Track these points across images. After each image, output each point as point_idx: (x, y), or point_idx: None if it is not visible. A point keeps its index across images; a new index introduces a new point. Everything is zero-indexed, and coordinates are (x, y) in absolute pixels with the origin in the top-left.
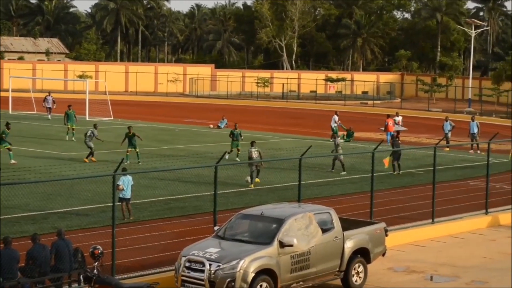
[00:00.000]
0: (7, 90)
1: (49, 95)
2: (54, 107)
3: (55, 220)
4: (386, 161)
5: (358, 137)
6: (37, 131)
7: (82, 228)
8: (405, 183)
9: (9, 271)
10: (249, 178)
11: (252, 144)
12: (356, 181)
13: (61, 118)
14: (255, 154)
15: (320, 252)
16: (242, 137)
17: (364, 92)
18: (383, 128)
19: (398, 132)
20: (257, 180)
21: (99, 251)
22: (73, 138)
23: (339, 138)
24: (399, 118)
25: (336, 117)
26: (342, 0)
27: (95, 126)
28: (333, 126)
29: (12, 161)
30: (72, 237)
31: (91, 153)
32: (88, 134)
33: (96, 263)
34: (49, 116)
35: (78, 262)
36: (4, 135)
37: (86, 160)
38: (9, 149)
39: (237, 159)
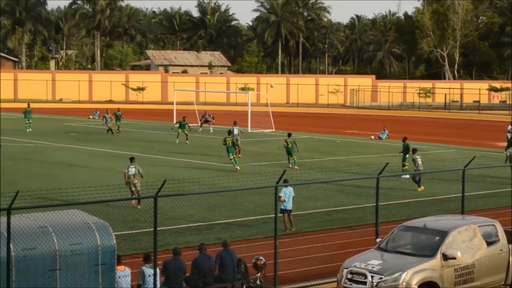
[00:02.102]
0: (171, 103)
1: (205, 114)
2: (213, 121)
3: (218, 231)
4: None
5: None
6: (200, 142)
7: (245, 239)
8: None
9: (175, 282)
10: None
11: (414, 151)
12: None
13: (223, 130)
14: (419, 160)
15: (485, 265)
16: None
17: None
18: None
19: None
20: (421, 188)
21: (262, 262)
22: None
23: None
24: None
25: (510, 127)
26: (505, 8)
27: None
28: (509, 137)
29: (237, 167)
30: (235, 248)
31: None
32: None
33: (258, 274)
34: (211, 129)
35: (241, 273)
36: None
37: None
38: (235, 157)
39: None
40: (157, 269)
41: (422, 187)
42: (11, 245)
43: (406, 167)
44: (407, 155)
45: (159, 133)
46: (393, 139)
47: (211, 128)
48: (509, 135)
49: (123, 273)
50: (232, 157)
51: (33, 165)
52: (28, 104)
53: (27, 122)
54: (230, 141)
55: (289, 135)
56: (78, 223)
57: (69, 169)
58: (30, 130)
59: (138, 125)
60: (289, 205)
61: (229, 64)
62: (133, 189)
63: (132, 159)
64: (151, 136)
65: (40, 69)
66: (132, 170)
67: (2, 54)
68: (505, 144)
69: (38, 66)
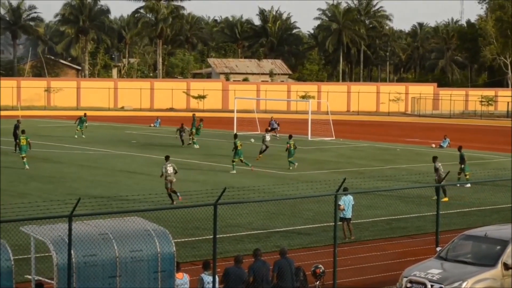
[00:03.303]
0: (232, 111)
1: (272, 120)
2: (278, 129)
3: (277, 238)
4: None
5: None
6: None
7: (304, 247)
8: None
9: None
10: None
11: (435, 159)
12: None
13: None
14: (442, 168)
15: None
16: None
17: None
18: None
19: None
20: (445, 199)
21: (321, 270)
22: (83, 135)
23: None
24: None
25: None
26: None
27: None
28: None
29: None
30: (294, 256)
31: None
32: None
33: (317, 282)
34: (277, 136)
35: (300, 281)
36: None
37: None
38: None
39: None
40: (216, 277)
41: (447, 198)
42: (72, 251)
43: (468, 176)
44: (463, 165)
45: (219, 141)
46: (454, 147)
47: (277, 135)
48: None
49: (181, 281)
50: (242, 158)
51: (95, 172)
52: (85, 114)
53: (78, 129)
54: (240, 144)
55: (290, 137)
56: (138, 230)
57: (130, 177)
58: (83, 136)
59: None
60: (349, 214)
61: (290, 72)
62: (169, 185)
63: (167, 157)
64: (211, 144)
65: (103, 77)
66: (171, 169)
67: (65, 62)
68: None
69: (101, 74)
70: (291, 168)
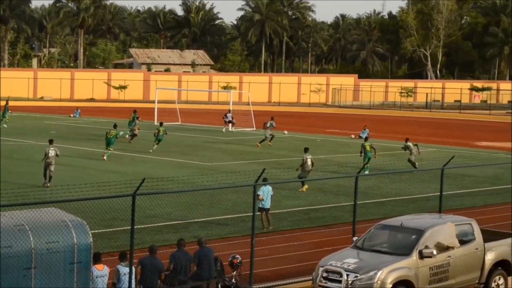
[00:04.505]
0: (153, 102)
1: (229, 112)
2: (234, 122)
3: (195, 229)
4: None
5: (503, 147)
6: (182, 141)
7: (222, 237)
8: None
9: (150, 281)
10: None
11: (306, 150)
12: (500, 192)
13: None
14: (309, 161)
15: (460, 264)
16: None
17: (511, 102)
18: None
19: None
20: (305, 187)
21: (238, 261)
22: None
23: None
24: None
25: None
26: (489, 8)
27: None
28: None
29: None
30: (212, 246)
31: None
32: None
33: (234, 272)
34: (224, 129)
35: (217, 271)
36: None
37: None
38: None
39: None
40: (133, 268)
41: (306, 186)
42: None
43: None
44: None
45: (141, 131)
46: (373, 138)
47: (224, 128)
48: None
49: (101, 272)
50: (111, 149)
51: (13, 163)
52: (7, 101)
53: (2, 118)
54: (113, 134)
55: (161, 124)
56: (55, 221)
57: None
58: (5, 126)
59: (119, 124)
60: (267, 204)
61: (212, 63)
62: (50, 168)
63: (51, 141)
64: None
65: (23, 67)
66: (52, 152)
67: None
68: (487, 143)
69: (21, 64)
70: (151, 151)
